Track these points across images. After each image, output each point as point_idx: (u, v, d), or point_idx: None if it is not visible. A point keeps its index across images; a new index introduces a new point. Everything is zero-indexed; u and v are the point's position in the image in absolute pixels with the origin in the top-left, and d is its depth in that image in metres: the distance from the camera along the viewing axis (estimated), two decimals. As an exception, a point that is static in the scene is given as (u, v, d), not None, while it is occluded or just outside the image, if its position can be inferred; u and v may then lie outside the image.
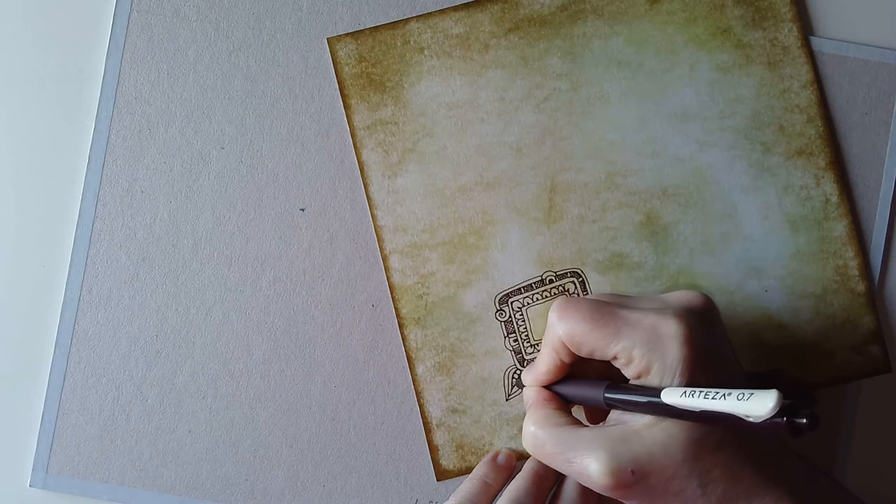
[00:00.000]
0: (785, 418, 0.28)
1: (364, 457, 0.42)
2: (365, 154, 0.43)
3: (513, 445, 0.42)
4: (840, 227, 0.42)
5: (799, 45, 0.43)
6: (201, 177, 0.43)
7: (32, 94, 0.43)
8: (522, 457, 0.42)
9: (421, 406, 0.42)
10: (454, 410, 0.42)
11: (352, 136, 0.43)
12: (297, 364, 0.42)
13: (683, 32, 0.43)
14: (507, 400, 0.42)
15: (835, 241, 0.42)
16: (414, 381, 0.42)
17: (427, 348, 0.42)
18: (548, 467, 0.40)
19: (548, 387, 0.39)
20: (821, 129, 0.43)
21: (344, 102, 0.43)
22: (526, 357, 0.42)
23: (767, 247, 0.42)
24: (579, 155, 0.42)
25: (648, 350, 0.34)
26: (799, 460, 0.37)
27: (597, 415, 0.39)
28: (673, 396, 0.32)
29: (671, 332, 0.34)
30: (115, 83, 0.43)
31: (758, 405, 0.28)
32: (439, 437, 0.42)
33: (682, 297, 0.36)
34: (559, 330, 0.36)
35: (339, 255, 0.43)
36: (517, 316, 0.42)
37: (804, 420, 0.28)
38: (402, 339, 0.42)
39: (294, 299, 0.43)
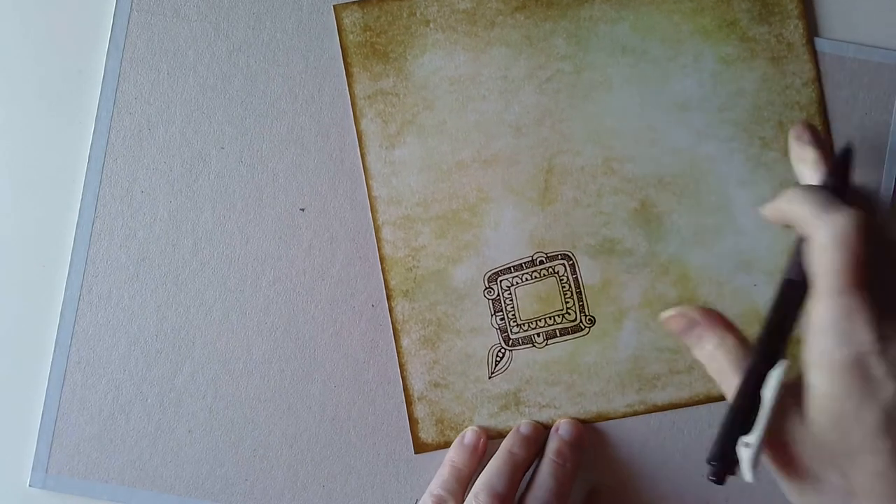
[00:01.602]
0: None
1: (364, 457, 0.42)
2: (364, 123, 0.42)
3: (492, 423, 0.42)
4: (840, 226, 0.42)
5: (803, 42, 0.43)
6: (201, 177, 0.43)
7: (32, 94, 0.43)
8: (493, 437, 0.42)
9: (403, 378, 0.42)
10: (436, 385, 0.42)
11: (352, 104, 0.42)
12: (297, 364, 0.42)
13: (690, 22, 0.43)
14: (489, 378, 0.42)
15: (834, 239, 0.42)
16: (398, 353, 0.42)
17: (413, 321, 0.42)
18: (526, 450, 0.40)
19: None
20: (820, 127, 0.42)
21: (346, 70, 0.42)
22: (511, 336, 0.42)
23: (759, 242, 0.42)
24: (578, 138, 0.42)
25: None
26: None
27: None
28: None
29: None
30: (115, 83, 0.43)
31: None
32: (420, 411, 0.42)
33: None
34: None
35: (339, 255, 0.43)
36: (505, 295, 0.42)
37: None
38: (389, 311, 0.42)
39: (294, 299, 0.42)
